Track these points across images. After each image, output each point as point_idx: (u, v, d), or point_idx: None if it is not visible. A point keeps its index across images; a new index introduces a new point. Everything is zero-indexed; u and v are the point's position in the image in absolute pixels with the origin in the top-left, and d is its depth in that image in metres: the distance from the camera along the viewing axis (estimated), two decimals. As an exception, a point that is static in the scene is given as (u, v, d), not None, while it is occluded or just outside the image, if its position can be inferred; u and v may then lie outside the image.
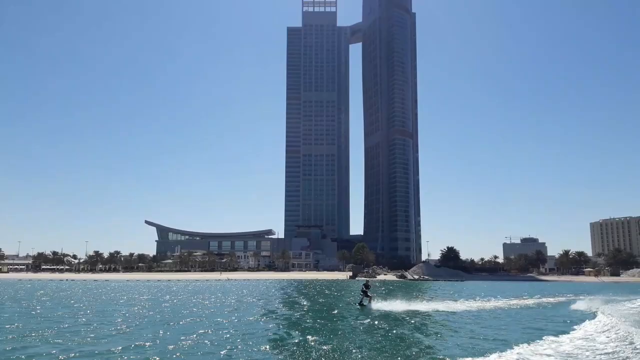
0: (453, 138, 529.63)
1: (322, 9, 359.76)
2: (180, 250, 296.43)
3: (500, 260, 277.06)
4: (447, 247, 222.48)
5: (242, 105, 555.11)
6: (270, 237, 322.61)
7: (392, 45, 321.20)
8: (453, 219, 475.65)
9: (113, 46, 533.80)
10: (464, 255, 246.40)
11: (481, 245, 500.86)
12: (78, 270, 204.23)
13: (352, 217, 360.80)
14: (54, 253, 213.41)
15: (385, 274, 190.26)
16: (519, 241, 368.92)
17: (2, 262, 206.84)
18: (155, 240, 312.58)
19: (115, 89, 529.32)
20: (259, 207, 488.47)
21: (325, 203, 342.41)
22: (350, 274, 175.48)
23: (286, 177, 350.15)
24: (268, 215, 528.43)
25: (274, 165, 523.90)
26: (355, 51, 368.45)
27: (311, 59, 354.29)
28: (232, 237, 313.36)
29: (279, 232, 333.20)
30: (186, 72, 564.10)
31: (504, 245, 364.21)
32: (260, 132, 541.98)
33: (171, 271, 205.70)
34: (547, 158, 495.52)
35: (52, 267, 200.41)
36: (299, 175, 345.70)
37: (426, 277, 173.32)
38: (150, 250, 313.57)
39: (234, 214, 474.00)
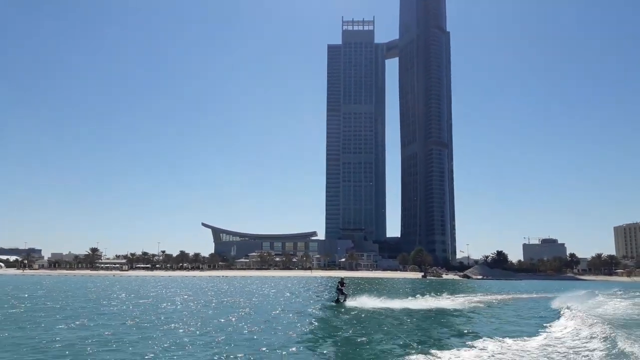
0: (481, 144, 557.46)
1: (360, 28, 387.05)
2: (236, 250, 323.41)
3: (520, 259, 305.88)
4: (497, 251, 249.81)
5: (285, 115, 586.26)
6: (315, 238, 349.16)
7: (428, 61, 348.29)
8: (476, 219, 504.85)
9: (166, 64, 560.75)
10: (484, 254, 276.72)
11: (500, 246, 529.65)
12: (172, 269, 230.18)
13: (387, 220, 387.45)
14: (144, 253, 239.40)
15: (446, 274, 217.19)
16: (537, 241, 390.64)
17: (101, 261, 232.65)
18: (214, 242, 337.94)
19: (170, 98, 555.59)
20: (299, 210, 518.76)
21: (363, 207, 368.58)
22: (422, 274, 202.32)
23: (327, 183, 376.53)
24: (306, 217, 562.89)
25: (312, 171, 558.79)
26: (391, 65, 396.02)
27: (350, 74, 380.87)
28: (282, 238, 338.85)
29: (321, 234, 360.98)
30: (233, 83, 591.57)
31: (524, 245, 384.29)
32: (302, 141, 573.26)
33: (252, 269, 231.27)
34: (570, 160, 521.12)
35: (149, 265, 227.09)
36: (339, 181, 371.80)
37: (489, 277, 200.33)
38: (207, 249, 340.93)
39: (276, 216, 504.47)
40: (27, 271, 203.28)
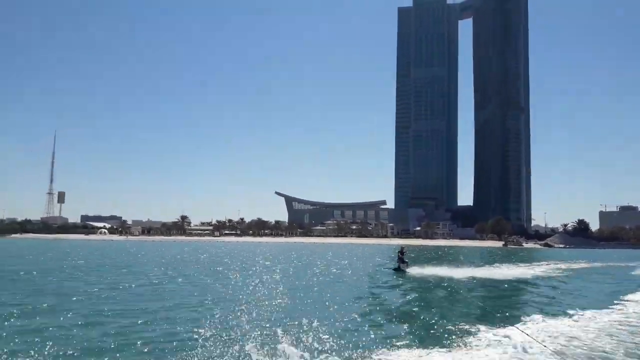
0: (559, 107, 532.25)
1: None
2: (309, 218, 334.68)
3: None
4: (578, 220, 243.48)
5: (355, 82, 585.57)
6: (385, 207, 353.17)
7: (505, 22, 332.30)
8: (550, 187, 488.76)
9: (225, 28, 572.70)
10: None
11: (575, 214, 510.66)
12: (255, 235, 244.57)
13: (459, 187, 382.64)
14: (229, 220, 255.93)
15: (526, 243, 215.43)
16: (615, 208, 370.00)
17: (190, 227, 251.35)
18: (287, 210, 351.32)
19: (239, 63, 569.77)
20: (366, 178, 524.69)
21: (434, 175, 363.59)
22: (503, 243, 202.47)
23: (396, 150, 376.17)
24: (373, 185, 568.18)
25: (380, 138, 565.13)
26: (463, 27, 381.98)
27: (421, 37, 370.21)
28: (353, 206, 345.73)
29: (389, 202, 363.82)
30: (301, 49, 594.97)
31: (600, 213, 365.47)
32: (371, 106, 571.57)
33: (329, 236, 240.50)
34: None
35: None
36: (408, 148, 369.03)
37: (571, 246, 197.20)
38: (278, 216, 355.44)
39: (343, 184, 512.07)
40: (131, 237, 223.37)
